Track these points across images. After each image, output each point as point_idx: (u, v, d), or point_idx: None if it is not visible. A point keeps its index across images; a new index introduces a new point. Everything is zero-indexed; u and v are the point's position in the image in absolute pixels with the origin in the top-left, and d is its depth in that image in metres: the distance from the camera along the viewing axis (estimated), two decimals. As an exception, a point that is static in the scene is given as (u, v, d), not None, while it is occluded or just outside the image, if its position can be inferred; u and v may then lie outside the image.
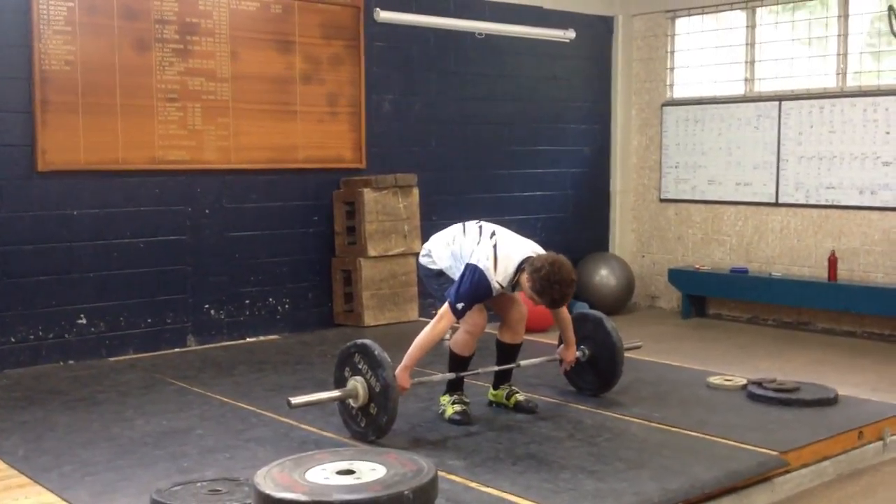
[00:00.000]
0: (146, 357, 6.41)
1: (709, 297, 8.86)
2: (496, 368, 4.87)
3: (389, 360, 4.27)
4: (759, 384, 5.19)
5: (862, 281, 7.80)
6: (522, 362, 4.91)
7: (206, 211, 6.87)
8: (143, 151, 6.52)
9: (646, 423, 4.67)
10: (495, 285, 4.44)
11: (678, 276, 8.81)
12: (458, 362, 4.69)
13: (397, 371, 4.34)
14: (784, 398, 4.98)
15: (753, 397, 5.09)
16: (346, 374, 4.39)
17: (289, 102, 7.18)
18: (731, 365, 6.52)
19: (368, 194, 7.21)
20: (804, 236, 8.21)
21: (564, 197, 8.98)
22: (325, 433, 4.50)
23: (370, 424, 4.32)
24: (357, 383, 4.31)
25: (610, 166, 9.41)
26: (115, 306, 6.48)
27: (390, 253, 7.35)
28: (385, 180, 7.34)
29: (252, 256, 7.10)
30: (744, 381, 5.34)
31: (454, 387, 4.74)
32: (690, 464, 4.04)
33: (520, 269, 4.45)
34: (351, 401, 4.35)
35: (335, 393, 4.39)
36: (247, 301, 7.09)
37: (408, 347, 4.47)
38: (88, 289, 6.36)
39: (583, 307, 8.66)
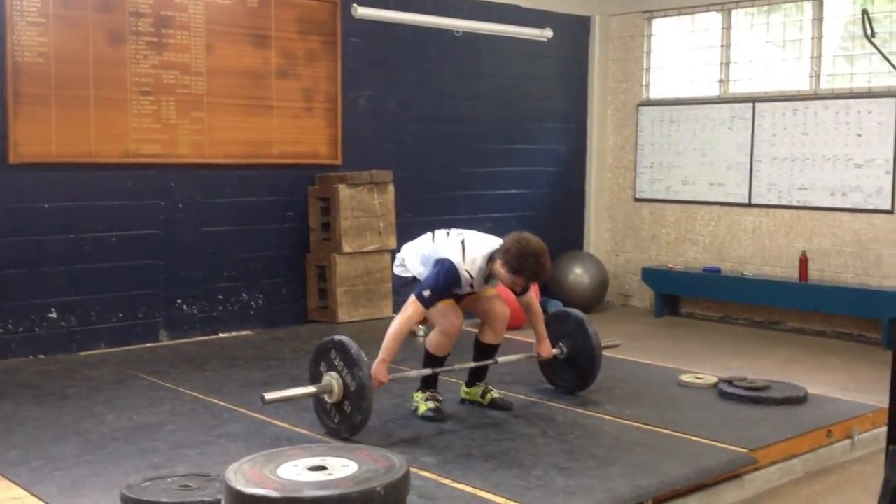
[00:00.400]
0: (117, 352, 6.36)
1: (682, 296, 8.91)
2: (472, 365, 4.86)
3: (365, 358, 4.25)
4: (729, 382, 5.23)
5: (832, 281, 7.88)
6: (500, 359, 4.90)
7: (180, 205, 6.83)
8: (116, 145, 6.47)
9: (618, 420, 4.70)
10: (465, 275, 4.44)
11: (651, 276, 8.86)
12: (433, 362, 4.69)
13: (374, 365, 4.33)
14: (754, 396, 5.02)
15: (724, 395, 5.13)
16: (322, 369, 4.37)
17: (264, 97, 7.15)
18: (702, 363, 6.57)
19: (344, 190, 7.20)
20: (776, 237, 8.28)
21: (540, 195, 9.01)
22: (297, 429, 4.49)
23: (344, 421, 4.31)
24: (332, 379, 4.30)
25: (585, 165, 9.45)
26: (86, 300, 6.43)
27: (365, 249, 7.34)
28: (360, 177, 7.33)
29: (225, 251, 7.06)
30: (715, 380, 5.38)
31: (428, 384, 4.74)
32: (661, 461, 4.07)
33: (491, 259, 4.47)
34: (325, 396, 4.34)
35: (310, 389, 4.37)
36: (220, 296, 7.05)
37: (381, 343, 4.47)
38: (59, 282, 6.30)
39: (557, 305, 8.71)
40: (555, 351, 5.04)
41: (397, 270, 4.86)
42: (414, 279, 4.70)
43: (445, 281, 4.43)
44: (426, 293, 4.41)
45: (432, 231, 4.78)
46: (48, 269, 6.26)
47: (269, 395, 4.22)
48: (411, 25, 7.92)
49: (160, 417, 4.70)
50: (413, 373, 4.71)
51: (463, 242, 4.53)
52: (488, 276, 4.54)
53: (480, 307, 4.77)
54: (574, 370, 5.12)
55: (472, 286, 4.56)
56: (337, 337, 4.37)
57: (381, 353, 4.42)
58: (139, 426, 4.55)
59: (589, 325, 5.10)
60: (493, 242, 4.57)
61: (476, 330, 4.92)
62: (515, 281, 4.46)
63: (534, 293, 4.89)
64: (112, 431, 4.46)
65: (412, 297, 4.46)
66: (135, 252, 6.62)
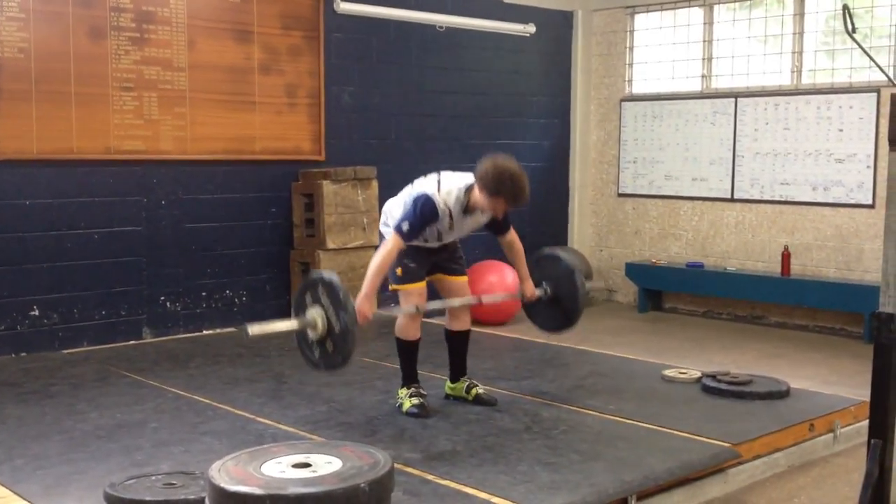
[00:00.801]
0: (100, 349, 6.34)
1: (665, 291, 8.95)
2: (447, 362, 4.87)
3: (353, 303, 4.13)
4: (713, 377, 5.25)
5: (814, 276, 7.93)
6: (484, 298, 4.81)
7: (163, 202, 6.80)
8: (97, 141, 6.43)
9: (601, 415, 4.71)
10: (442, 207, 4.42)
11: (635, 271, 8.89)
12: (406, 349, 4.70)
13: (358, 300, 4.26)
14: (737, 391, 5.05)
15: (707, 390, 5.15)
16: (307, 301, 4.25)
17: (247, 93, 7.12)
18: (686, 358, 6.60)
19: (327, 186, 7.18)
20: (758, 231, 8.32)
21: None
22: (281, 426, 4.49)
23: (324, 358, 4.22)
24: (317, 315, 4.17)
25: (569, 161, 9.46)
26: (68, 298, 6.39)
27: (349, 245, 7.33)
28: (344, 173, 7.31)
29: (209, 248, 7.04)
30: (698, 374, 5.41)
31: (410, 378, 4.74)
32: (645, 455, 4.08)
33: (468, 190, 4.46)
34: (309, 331, 4.24)
35: (293, 324, 4.25)
36: (203, 293, 7.03)
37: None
38: (41, 280, 6.27)
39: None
40: (538, 292, 5.02)
41: (382, 229, 4.78)
42: None
43: (423, 213, 4.40)
44: (405, 226, 4.38)
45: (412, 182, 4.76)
46: (30, 267, 6.22)
47: (252, 329, 4.11)
48: (394, 21, 7.91)
49: (144, 415, 4.68)
50: (397, 311, 4.65)
51: (439, 178, 4.54)
52: (466, 208, 4.50)
53: (448, 289, 4.77)
54: (559, 310, 5.11)
55: (451, 219, 4.50)
56: (326, 273, 4.25)
57: (365, 288, 4.36)
58: (122, 424, 4.53)
59: (573, 265, 5.08)
60: (469, 177, 4.54)
61: (444, 323, 4.93)
62: (496, 206, 4.41)
63: (513, 234, 4.85)
64: (95, 429, 4.44)
65: (392, 232, 4.44)
66: (117, 249, 6.59)
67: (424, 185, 4.56)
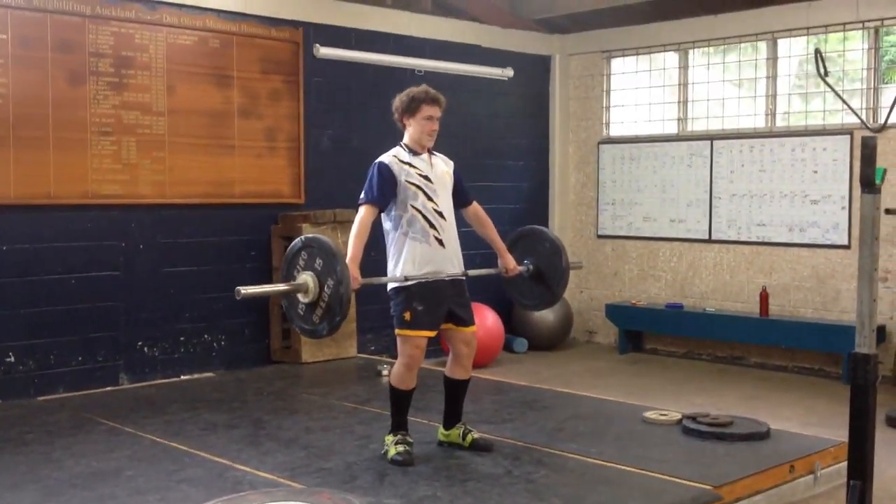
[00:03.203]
0: (77, 396, 6.26)
1: (645, 332, 8.96)
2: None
3: (346, 263, 4.15)
4: (693, 419, 5.25)
5: (792, 316, 7.97)
6: (470, 272, 4.75)
7: (140, 246, 6.77)
8: (75, 185, 6.41)
9: (583, 458, 4.69)
10: (392, 160, 4.58)
11: (615, 312, 8.90)
12: (400, 398, 4.65)
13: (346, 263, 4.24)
14: (718, 432, 5.04)
15: (688, 432, 5.14)
16: (296, 271, 4.25)
17: (226, 137, 7.13)
18: (666, 400, 6.59)
19: (307, 229, 7.17)
20: (736, 272, 8.37)
21: (503, 232, 8.88)
22: (259, 473, 4.43)
23: (317, 321, 4.21)
24: (308, 277, 4.19)
25: (548, 202, 9.51)
26: (44, 344, 6.33)
27: (328, 289, 7.30)
28: (324, 215, 7.31)
29: (187, 292, 7.00)
30: (679, 416, 5.40)
31: (399, 426, 4.68)
32: (626, 499, 4.06)
33: (404, 140, 4.69)
34: (300, 296, 4.22)
35: (286, 286, 4.25)
36: (181, 338, 6.97)
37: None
38: (17, 326, 6.20)
39: (522, 344, 8.74)
40: (521, 268, 5.01)
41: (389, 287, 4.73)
42: (395, 290, 4.58)
43: (377, 174, 4.53)
44: (364, 192, 4.51)
45: None
46: (6, 313, 6.16)
47: (244, 289, 4.10)
48: (373, 65, 7.97)
49: (120, 463, 4.62)
50: (384, 279, 4.56)
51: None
52: (412, 150, 4.64)
53: (449, 339, 4.73)
54: (542, 286, 5.09)
55: (414, 167, 4.59)
56: (318, 236, 4.30)
57: (349, 253, 4.34)
58: (98, 472, 4.46)
59: (554, 238, 5.14)
60: None
61: (444, 369, 4.87)
62: (425, 119, 4.60)
63: (477, 205, 4.92)
64: (70, 478, 4.38)
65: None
66: (94, 294, 6.54)
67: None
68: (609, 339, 9.25)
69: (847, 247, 7.66)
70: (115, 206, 6.62)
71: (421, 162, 4.65)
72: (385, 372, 6.36)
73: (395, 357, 4.64)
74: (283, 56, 7.44)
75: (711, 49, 8.62)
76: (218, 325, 7.15)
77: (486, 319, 7.71)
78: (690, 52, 8.73)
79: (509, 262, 4.96)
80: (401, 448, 4.59)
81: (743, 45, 8.40)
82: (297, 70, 7.50)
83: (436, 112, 4.67)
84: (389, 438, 4.66)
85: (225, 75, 7.11)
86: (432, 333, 4.57)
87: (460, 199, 4.81)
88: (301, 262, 4.27)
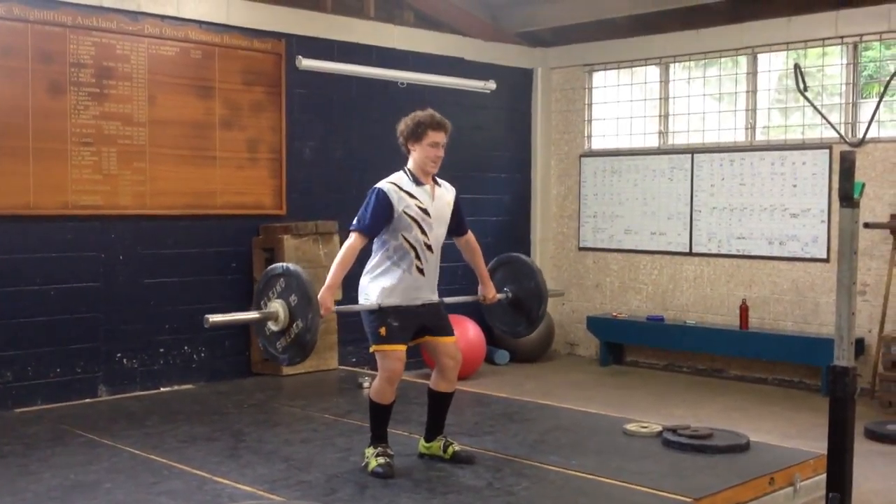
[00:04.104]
0: (55, 408, 6.20)
1: (626, 344, 8.99)
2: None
3: (316, 294, 4.17)
4: (673, 431, 5.26)
5: (772, 329, 8.01)
6: (447, 299, 4.78)
7: (121, 257, 6.74)
8: (55, 196, 6.37)
9: (563, 471, 4.69)
10: (391, 187, 4.48)
11: (596, 324, 8.92)
12: (380, 412, 4.64)
13: (322, 291, 4.27)
14: (698, 445, 5.05)
15: (668, 444, 5.15)
16: (270, 293, 4.28)
17: (208, 148, 7.12)
18: (647, 412, 6.61)
19: (288, 241, 7.16)
20: (717, 285, 8.41)
21: (485, 244, 8.85)
22: (239, 485, 4.41)
23: (291, 347, 4.22)
24: (278, 306, 4.21)
25: (530, 215, 9.54)
26: (23, 355, 6.27)
27: (310, 300, 7.28)
28: (305, 227, 7.30)
29: (167, 304, 6.96)
30: (659, 428, 5.41)
31: (379, 439, 4.66)
32: (607, 512, 4.06)
33: (408, 166, 4.59)
34: (271, 324, 4.24)
35: (255, 314, 4.27)
36: (161, 350, 6.93)
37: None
38: (-5, 337, 6.16)
39: (504, 356, 8.74)
40: (500, 296, 5.02)
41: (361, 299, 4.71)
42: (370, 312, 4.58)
43: (375, 201, 4.45)
44: (357, 219, 4.45)
45: None
46: (-17, 324, 6.11)
47: (213, 318, 4.11)
48: (356, 77, 7.97)
49: (98, 475, 4.58)
50: (357, 307, 4.56)
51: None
52: (416, 179, 4.56)
53: (433, 352, 4.73)
54: (521, 313, 5.11)
55: (414, 198, 4.51)
56: (290, 265, 4.30)
57: (328, 280, 4.35)
58: (76, 485, 4.43)
59: (534, 267, 5.15)
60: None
61: (429, 382, 4.85)
62: (430, 145, 4.52)
63: (471, 234, 4.91)
64: (48, 490, 4.34)
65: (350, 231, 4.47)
66: (74, 305, 6.50)
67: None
68: (590, 351, 9.26)
69: (826, 260, 7.71)
70: (95, 216, 6.58)
71: (423, 193, 4.58)
72: (366, 384, 6.35)
73: (377, 369, 4.62)
74: (265, 67, 7.43)
75: (692, 63, 8.68)
76: (198, 337, 7.11)
77: (468, 331, 7.71)
78: (671, 66, 8.79)
79: (489, 291, 4.97)
80: (381, 460, 4.57)
81: (723, 59, 8.46)
82: (280, 81, 7.50)
83: (441, 138, 4.61)
84: (370, 451, 4.65)
85: (207, 86, 7.10)
86: (405, 346, 4.56)
87: (457, 228, 4.80)
88: (278, 288, 4.28)
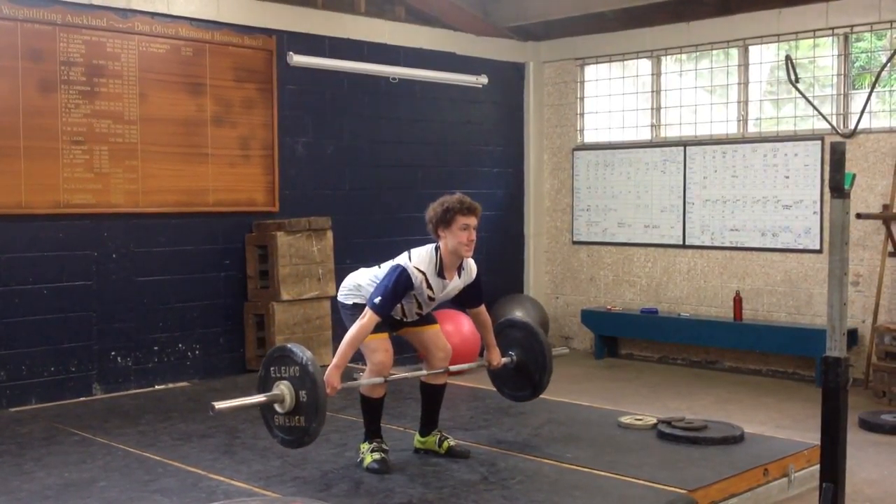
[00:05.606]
0: (49, 407, 6.20)
1: (621, 337, 9.00)
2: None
3: (322, 375, 4.13)
4: (668, 423, 5.27)
5: (766, 320, 8.02)
6: (452, 368, 4.79)
7: (113, 255, 6.72)
8: (47, 195, 6.36)
9: (558, 464, 4.70)
10: (415, 273, 4.41)
11: (591, 317, 8.93)
12: (372, 406, 4.65)
13: (327, 371, 4.25)
14: (692, 436, 5.07)
15: (663, 436, 5.17)
16: (273, 375, 4.23)
17: (199, 145, 7.10)
18: (641, 404, 6.62)
19: (282, 238, 7.16)
20: (710, 277, 8.42)
21: (479, 239, 8.93)
22: (234, 482, 4.41)
23: (292, 433, 4.19)
24: (284, 388, 4.16)
25: (524, 209, 9.54)
26: (16, 354, 6.26)
27: (304, 297, 7.28)
28: (298, 223, 7.29)
29: (161, 301, 6.95)
30: (654, 421, 5.42)
31: (374, 434, 4.68)
32: (601, 504, 4.07)
33: (437, 248, 4.50)
34: (277, 406, 4.21)
35: (261, 398, 4.22)
36: (155, 347, 6.93)
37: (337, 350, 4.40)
38: (-12, 336, 6.14)
39: (497, 349, 8.71)
40: (505, 360, 5.02)
41: (341, 299, 4.73)
42: (354, 305, 4.59)
43: (396, 284, 4.37)
44: (377, 300, 4.34)
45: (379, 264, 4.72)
46: (-24, 323, 6.10)
47: (219, 405, 4.08)
48: (347, 73, 7.96)
49: (92, 474, 4.58)
50: (365, 381, 4.57)
51: (409, 252, 4.54)
52: (440, 269, 4.50)
53: (423, 345, 4.74)
54: (525, 378, 5.11)
55: (429, 287, 4.48)
56: (294, 346, 4.23)
57: (335, 359, 4.34)
58: (70, 483, 4.42)
59: (539, 333, 5.11)
60: (432, 243, 4.59)
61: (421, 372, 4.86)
62: (461, 229, 4.44)
63: (483, 308, 4.85)
64: (42, 489, 4.33)
65: (366, 308, 4.38)
66: (67, 304, 6.49)
67: (396, 260, 4.53)
68: (585, 344, 9.28)
69: (819, 251, 7.72)
70: (87, 215, 6.56)
71: (440, 283, 4.55)
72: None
73: (369, 364, 4.63)
74: (256, 64, 7.42)
75: (684, 56, 8.68)
76: (192, 335, 7.11)
77: (463, 326, 7.70)
78: (663, 58, 8.79)
79: (494, 358, 4.96)
80: (376, 455, 4.58)
81: (715, 51, 8.47)
82: (271, 78, 7.48)
83: (472, 221, 4.53)
84: (365, 446, 4.66)
85: (198, 83, 7.08)
86: (387, 335, 4.57)
87: (470, 301, 4.77)
88: (276, 372, 4.23)
